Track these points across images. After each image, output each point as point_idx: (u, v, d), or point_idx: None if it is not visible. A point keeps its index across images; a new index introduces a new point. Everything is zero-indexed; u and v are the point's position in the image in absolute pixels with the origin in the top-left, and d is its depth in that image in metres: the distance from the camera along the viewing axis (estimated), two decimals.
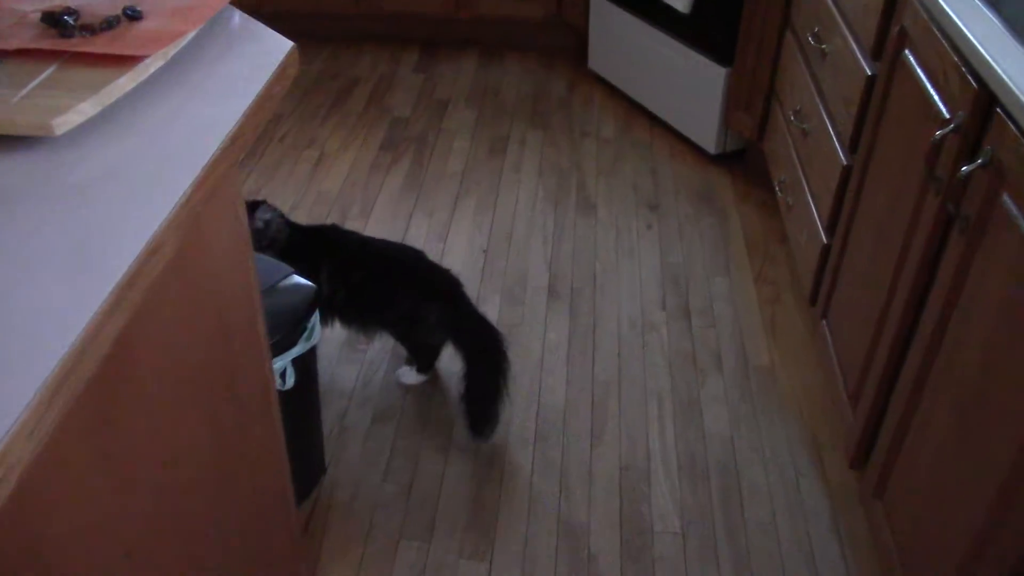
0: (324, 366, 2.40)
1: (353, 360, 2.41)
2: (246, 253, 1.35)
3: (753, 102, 2.99)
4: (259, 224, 2.17)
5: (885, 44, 1.86)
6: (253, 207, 2.17)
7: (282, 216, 2.24)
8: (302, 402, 1.89)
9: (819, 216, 2.26)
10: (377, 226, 2.93)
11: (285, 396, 1.75)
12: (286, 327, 1.75)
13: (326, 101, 3.69)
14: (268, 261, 1.89)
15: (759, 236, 2.91)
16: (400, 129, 3.51)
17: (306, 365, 1.83)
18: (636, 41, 3.44)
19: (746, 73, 2.99)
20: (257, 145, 3.38)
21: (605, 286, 2.69)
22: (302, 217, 2.97)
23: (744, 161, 3.26)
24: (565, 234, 2.92)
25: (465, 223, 2.96)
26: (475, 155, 3.34)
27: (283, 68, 1.36)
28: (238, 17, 1.46)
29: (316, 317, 1.83)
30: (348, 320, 2.28)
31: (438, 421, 2.25)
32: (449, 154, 3.34)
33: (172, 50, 1.23)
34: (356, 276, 2.21)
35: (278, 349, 1.72)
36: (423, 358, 2.32)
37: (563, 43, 4.10)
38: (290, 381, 1.74)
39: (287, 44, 1.40)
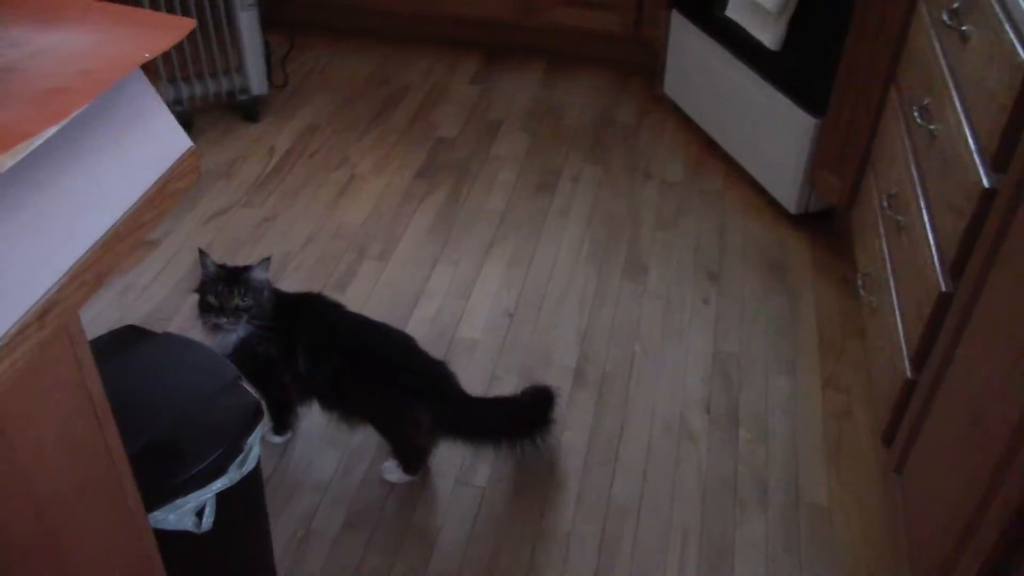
0: (302, 449, 2.09)
1: (336, 444, 2.10)
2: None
3: (845, 164, 2.53)
4: (255, 281, 1.85)
5: (1012, 157, 1.41)
6: (245, 268, 1.86)
7: (270, 284, 1.93)
8: (235, 542, 1.58)
9: (905, 341, 1.81)
10: (395, 273, 2.60)
11: (203, 540, 1.44)
12: (213, 451, 1.43)
13: (368, 112, 3.37)
14: (211, 360, 1.57)
15: (835, 325, 2.46)
16: (443, 152, 3.15)
17: (243, 495, 1.51)
18: (717, 71, 3.00)
19: (839, 128, 2.52)
20: (286, 159, 3.08)
21: (642, 374, 2.30)
22: (313, 255, 2.66)
23: (827, 225, 2.79)
24: (606, 301, 2.53)
25: (494, 278, 2.60)
26: (520, 191, 2.96)
27: (163, 184, 1.02)
28: (131, 95, 1.13)
29: (255, 437, 1.51)
30: (328, 406, 1.96)
31: (419, 534, 1.92)
32: (491, 188, 2.98)
33: (8, 161, 0.91)
34: (335, 361, 1.89)
35: (197, 481, 1.41)
36: (409, 458, 1.99)
37: (639, 60, 3.66)
38: (207, 522, 1.43)
39: (182, 144, 1.06)
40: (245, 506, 1.55)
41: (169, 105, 3.13)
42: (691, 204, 2.92)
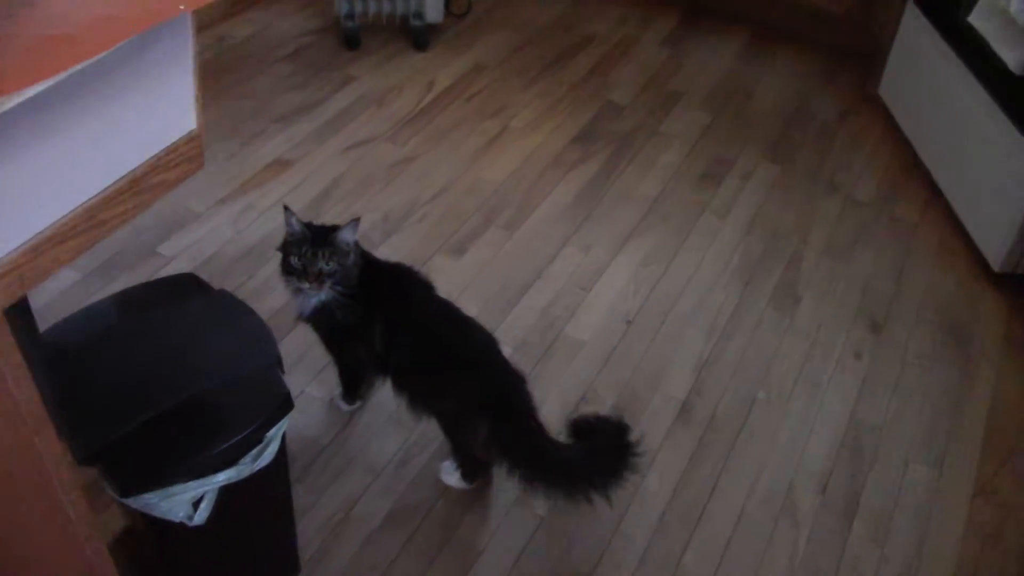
0: (367, 422, 1.96)
1: (402, 427, 1.95)
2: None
3: None
4: (342, 244, 1.69)
5: None
6: (332, 229, 1.70)
7: (359, 247, 1.77)
8: (241, 537, 1.46)
9: None
10: (518, 247, 2.39)
11: (200, 531, 1.32)
12: (226, 438, 1.30)
13: (542, 59, 3.12)
14: (257, 334, 1.43)
15: (1012, 421, 2.03)
16: (608, 118, 2.87)
17: (255, 491, 1.38)
18: (945, 82, 2.52)
19: None
20: (443, 97, 2.90)
21: (758, 426, 1.99)
22: (440, 208, 2.48)
23: None
24: (741, 328, 2.21)
25: (623, 274, 2.33)
26: (680, 179, 2.65)
27: (146, 173, 0.85)
28: (155, 52, 0.95)
29: (277, 431, 1.36)
30: (398, 387, 1.80)
31: (462, 549, 1.75)
32: (650, 169, 2.68)
33: None
34: (409, 344, 1.72)
35: (198, 469, 1.28)
36: (468, 466, 1.81)
37: (856, 49, 3.18)
38: (201, 516, 1.31)
39: (186, 125, 0.88)
40: (257, 502, 1.42)
41: (340, 19, 3.02)
42: (874, 232, 2.51)
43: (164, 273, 2.23)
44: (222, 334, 1.43)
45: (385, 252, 2.33)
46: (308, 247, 1.63)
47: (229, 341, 1.42)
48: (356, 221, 1.66)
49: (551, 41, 3.22)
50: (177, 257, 2.28)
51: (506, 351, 2.10)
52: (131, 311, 1.46)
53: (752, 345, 2.17)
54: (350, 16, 3.06)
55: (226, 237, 2.35)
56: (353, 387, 1.95)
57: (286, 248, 1.67)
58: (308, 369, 2.03)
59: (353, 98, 2.87)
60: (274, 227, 2.38)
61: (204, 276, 2.20)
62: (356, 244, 1.74)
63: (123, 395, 1.32)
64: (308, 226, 1.67)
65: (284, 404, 1.37)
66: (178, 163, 0.87)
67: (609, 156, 2.71)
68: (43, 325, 2.02)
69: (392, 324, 1.73)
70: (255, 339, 1.43)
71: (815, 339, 2.20)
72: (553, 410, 1.98)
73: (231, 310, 1.47)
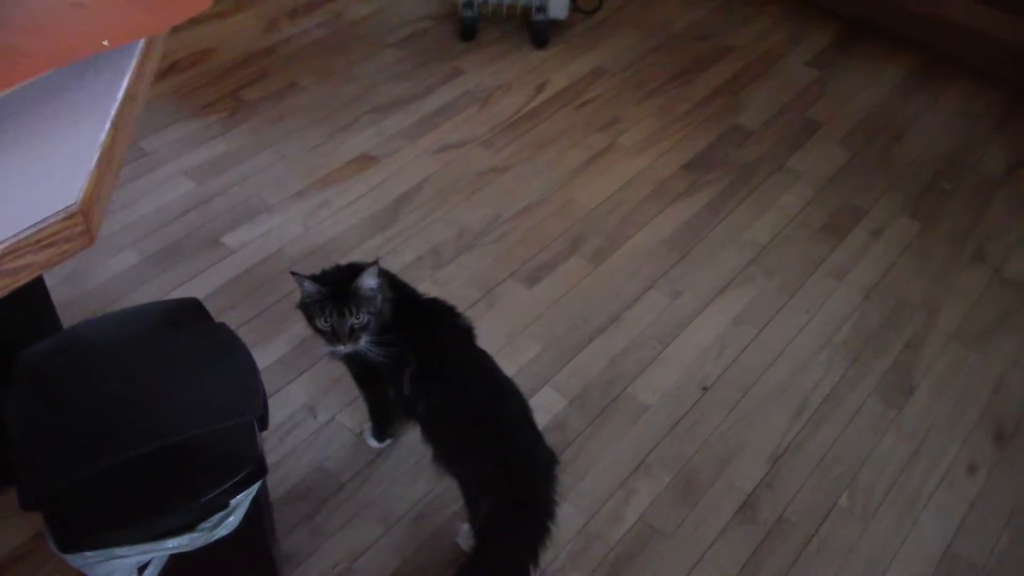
0: (393, 465, 1.80)
1: (427, 476, 1.78)
2: None
3: None
4: (366, 292, 1.53)
5: None
6: (353, 271, 1.54)
7: (391, 278, 1.60)
8: None
9: None
10: (598, 283, 2.16)
11: None
12: (182, 500, 1.17)
13: (669, 70, 2.84)
14: (245, 382, 1.29)
15: None
16: (730, 144, 2.57)
17: (215, 561, 1.24)
18: None
19: None
20: (551, 103, 2.69)
21: (832, 541, 1.71)
22: (521, 229, 2.28)
23: None
24: (835, 416, 1.91)
25: (709, 331, 2.07)
26: (798, 226, 2.34)
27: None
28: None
29: (244, 499, 1.22)
30: (426, 436, 1.64)
31: None
32: (765, 210, 2.38)
33: None
34: (435, 397, 1.55)
35: (147, 532, 1.16)
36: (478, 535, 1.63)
37: None
38: None
39: (68, 197, 0.73)
40: (215, 573, 1.29)
41: (460, 6, 2.84)
42: (1021, 320, 2.13)
43: (223, 266, 2.15)
44: (207, 377, 1.29)
45: (453, 272, 2.16)
46: (331, 307, 1.46)
47: (213, 387, 1.28)
48: (375, 264, 1.48)
49: (683, 49, 2.93)
50: (239, 250, 2.19)
51: (559, 403, 1.91)
52: (122, 335, 1.35)
53: (844, 438, 1.87)
54: (469, 4, 2.88)
55: (293, 234, 2.24)
56: (384, 425, 1.80)
57: (307, 310, 1.51)
58: (341, 395, 1.89)
59: (456, 94, 2.70)
60: (344, 229, 2.25)
61: (261, 273, 2.13)
62: (392, 278, 1.58)
63: (86, 435, 1.21)
64: (324, 280, 1.50)
65: (256, 470, 1.22)
66: (52, 243, 0.72)
67: (722, 190, 2.43)
68: (95, 307, 1.94)
69: (424, 369, 1.56)
70: (241, 388, 1.28)
71: (922, 442, 1.87)
72: (598, 482, 1.77)
73: (225, 349, 1.33)
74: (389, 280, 1.58)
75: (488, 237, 2.26)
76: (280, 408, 1.87)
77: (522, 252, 2.23)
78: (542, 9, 2.86)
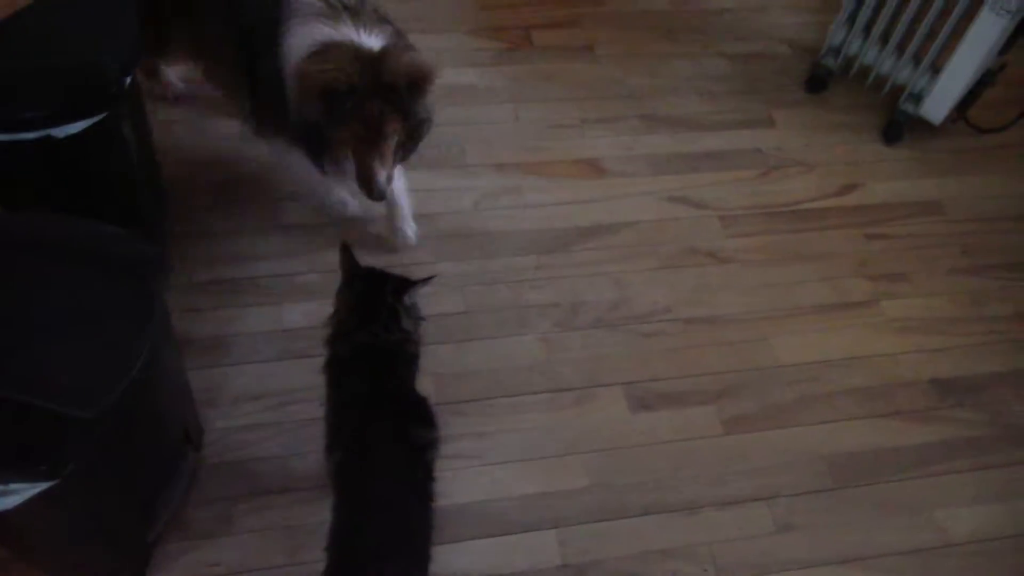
0: None
1: None
2: None
3: None
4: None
5: None
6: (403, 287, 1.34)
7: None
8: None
9: None
10: (710, 454, 1.70)
11: None
12: None
13: (1017, 252, 2.10)
14: (123, 340, 1.13)
15: None
16: (1021, 389, 1.87)
17: None
18: None
19: None
20: (838, 213, 2.12)
21: None
22: (671, 342, 1.85)
23: None
24: None
25: None
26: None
27: None
28: None
29: (24, 487, 1.08)
30: None
31: None
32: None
33: None
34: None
35: None
36: None
37: None
38: None
39: None
40: None
41: (823, 49, 2.30)
42: None
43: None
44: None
45: (571, 340, 1.84)
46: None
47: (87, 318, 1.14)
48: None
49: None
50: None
51: (552, 557, 1.55)
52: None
53: None
54: (835, 52, 2.31)
55: (461, 207, 2.01)
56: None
57: None
58: None
59: (747, 146, 2.22)
60: (507, 230, 1.98)
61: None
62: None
63: None
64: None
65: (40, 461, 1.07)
66: None
67: (967, 440, 1.77)
68: None
69: None
70: (121, 344, 1.12)
71: None
72: None
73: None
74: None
75: (640, 325, 1.86)
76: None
77: (660, 366, 1.81)
78: (916, 99, 2.22)
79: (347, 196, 1.89)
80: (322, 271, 1.84)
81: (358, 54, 1.49)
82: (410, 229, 1.88)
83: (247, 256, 1.87)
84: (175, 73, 2.07)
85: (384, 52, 1.51)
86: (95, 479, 1.18)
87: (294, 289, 1.83)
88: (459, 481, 1.61)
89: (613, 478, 1.65)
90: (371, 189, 1.58)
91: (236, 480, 1.58)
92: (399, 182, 1.80)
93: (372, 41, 1.52)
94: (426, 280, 1.40)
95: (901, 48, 2.22)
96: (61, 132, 1.37)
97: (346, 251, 1.42)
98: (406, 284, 1.39)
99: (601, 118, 2.23)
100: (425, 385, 1.56)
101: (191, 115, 2.09)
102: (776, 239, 2.05)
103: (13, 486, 1.08)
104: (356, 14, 1.56)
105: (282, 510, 1.56)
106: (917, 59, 2.21)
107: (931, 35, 2.14)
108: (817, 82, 2.35)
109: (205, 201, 1.94)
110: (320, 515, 1.52)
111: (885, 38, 2.23)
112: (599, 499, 1.63)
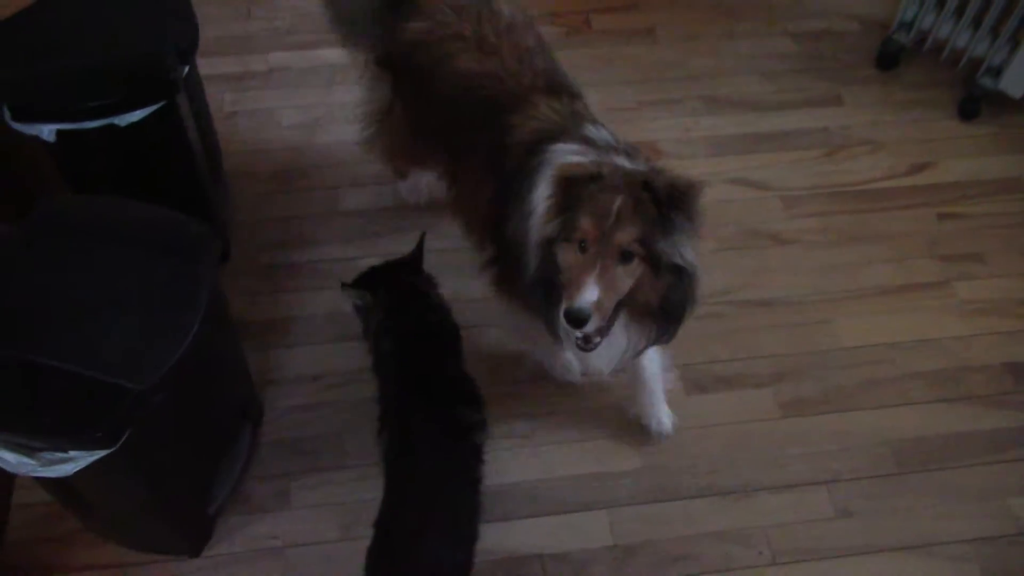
0: None
1: None
2: None
3: None
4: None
5: None
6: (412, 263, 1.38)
7: None
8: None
9: None
10: (769, 436, 1.66)
11: None
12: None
13: None
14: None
15: None
16: None
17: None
18: None
19: None
20: (906, 194, 2.04)
21: None
22: (729, 323, 1.82)
23: None
24: None
25: None
26: None
27: None
28: None
29: (80, 455, 1.13)
30: None
31: None
32: None
33: None
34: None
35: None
36: None
37: None
38: None
39: None
40: None
41: (895, 25, 2.22)
42: None
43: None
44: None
45: None
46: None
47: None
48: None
49: None
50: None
51: (602, 538, 1.56)
52: None
53: None
54: (907, 27, 2.22)
55: None
56: None
57: None
58: None
59: (813, 125, 2.16)
60: None
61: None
62: None
63: None
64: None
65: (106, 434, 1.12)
66: None
67: None
68: None
69: None
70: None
71: None
72: None
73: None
74: None
75: (698, 307, 1.83)
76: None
77: (717, 347, 1.78)
78: (995, 73, 2.12)
79: (574, 359, 1.68)
80: (379, 256, 1.86)
81: (624, 171, 1.27)
82: (666, 417, 1.63)
83: (306, 241, 1.92)
84: (426, 179, 1.91)
85: (652, 170, 1.30)
86: (151, 449, 1.23)
87: (352, 273, 1.86)
88: (512, 461, 1.62)
89: (666, 460, 1.64)
90: (571, 303, 1.19)
91: (294, 457, 1.63)
92: (653, 362, 1.56)
93: (639, 166, 1.33)
94: (420, 237, 1.51)
95: (977, 21, 2.12)
96: (123, 120, 1.44)
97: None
98: (412, 259, 1.45)
99: (659, 99, 2.20)
100: (481, 367, 1.58)
101: (252, 107, 2.16)
102: (841, 220, 1.99)
103: (72, 453, 1.13)
104: (619, 151, 1.40)
105: (337, 487, 1.60)
106: (995, 32, 2.11)
107: (1009, 7, 2.04)
108: (888, 58, 2.27)
109: (265, 188, 2.00)
110: (373, 492, 1.55)
111: (960, 11, 2.14)
112: (651, 481, 1.61)
